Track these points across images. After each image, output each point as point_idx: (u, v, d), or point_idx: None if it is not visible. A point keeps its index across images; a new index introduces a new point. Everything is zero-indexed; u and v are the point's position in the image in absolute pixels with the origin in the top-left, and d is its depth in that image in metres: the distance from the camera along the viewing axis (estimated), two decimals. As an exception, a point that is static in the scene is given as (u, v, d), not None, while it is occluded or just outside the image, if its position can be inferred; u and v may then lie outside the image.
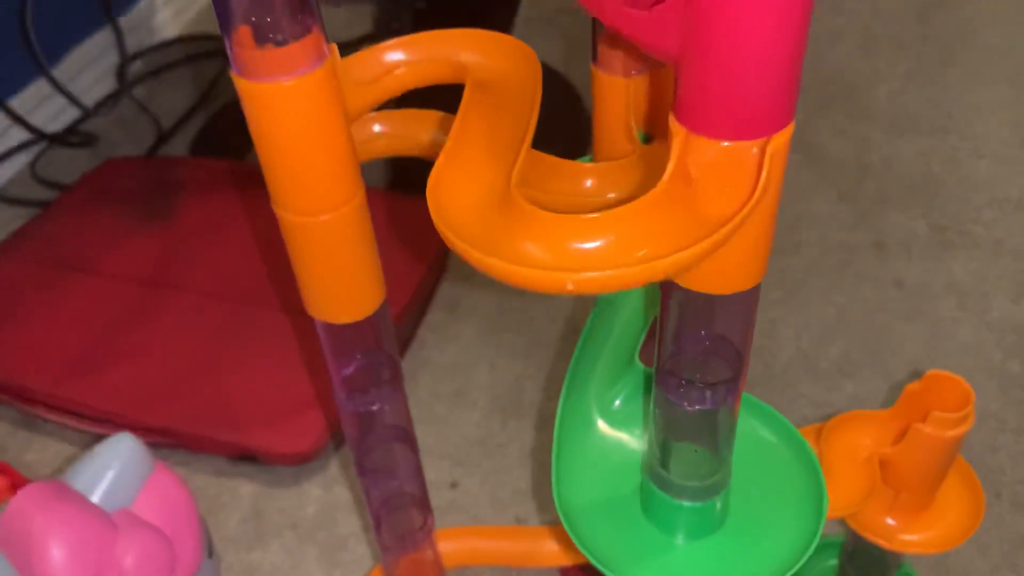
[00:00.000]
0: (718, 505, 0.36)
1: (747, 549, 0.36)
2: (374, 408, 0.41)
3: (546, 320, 0.80)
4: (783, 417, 0.40)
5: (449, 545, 0.55)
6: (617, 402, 0.40)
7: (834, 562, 0.60)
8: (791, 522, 0.37)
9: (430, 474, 0.69)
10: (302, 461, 0.69)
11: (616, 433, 0.40)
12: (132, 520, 0.49)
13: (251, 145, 0.34)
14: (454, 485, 0.69)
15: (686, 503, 0.36)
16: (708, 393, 0.32)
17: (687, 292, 0.29)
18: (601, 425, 0.40)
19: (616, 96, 0.37)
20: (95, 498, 0.49)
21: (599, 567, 0.36)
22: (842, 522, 0.65)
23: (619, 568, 0.36)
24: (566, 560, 0.55)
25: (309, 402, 0.70)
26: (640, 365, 0.41)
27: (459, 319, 0.81)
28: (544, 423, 0.72)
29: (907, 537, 0.48)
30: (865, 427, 0.47)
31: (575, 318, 0.80)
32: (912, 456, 0.45)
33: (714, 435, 0.34)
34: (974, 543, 0.62)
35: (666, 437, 0.35)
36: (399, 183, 0.92)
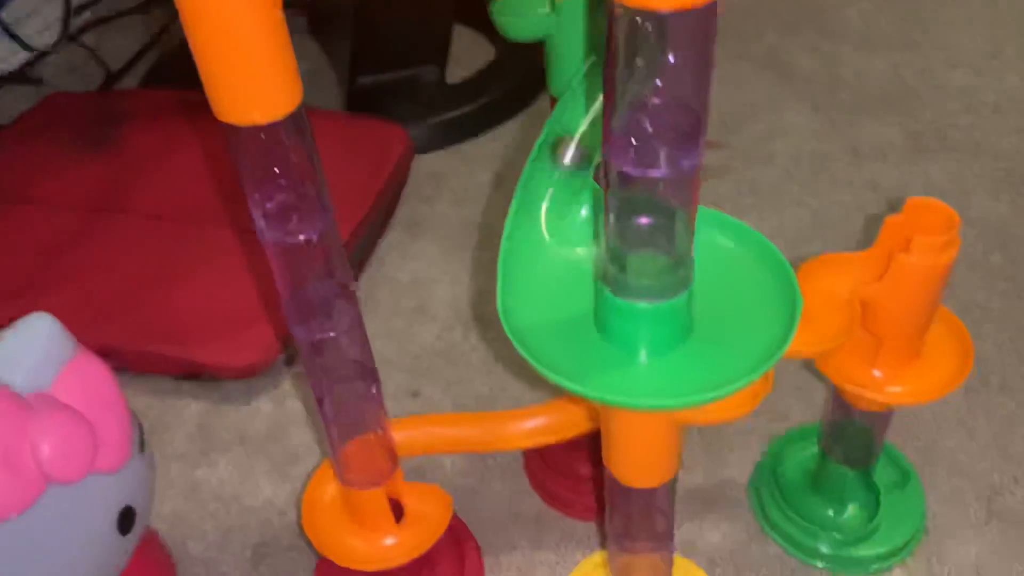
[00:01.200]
0: (680, 310, 0.33)
1: (713, 359, 0.33)
2: (301, 238, 0.37)
3: (510, 235, 0.77)
4: (749, 227, 0.36)
5: (403, 435, 0.51)
6: (571, 219, 0.37)
7: (814, 450, 0.57)
8: (761, 328, 0.34)
9: (390, 386, 0.66)
10: (251, 374, 0.64)
11: (570, 251, 0.36)
12: (49, 402, 0.45)
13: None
14: (415, 394, 0.65)
15: (644, 304, 0.32)
16: (664, 153, 0.28)
17: (632, 19, 0.26)
18: (553, 244, 0.36)
19: None
20: (8, 378, 0.45)
21: (558, 380, 0.32)
22: (825, 399, 0.62)
23: (581, 380, 0.32)
24: (528, 442, 0.51)
25: (258, 316, 0.66)
26: (593, 183, 0.37)
27: (420, 238, 0.78)
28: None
29: (894, 388, 0.45)
30: (843, 268, 0.44)
31: (541, 232, 0.77)
32: (896, 292, 0.42)
33: (670, 219, 0.30)
34: (963, 427, 0.59)
35: (620, 226, 0.31)
36: (355, 104, 0.88)
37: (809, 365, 0.64)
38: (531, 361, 0.33)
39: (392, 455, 0.48)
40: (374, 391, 0.44)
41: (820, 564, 0.53)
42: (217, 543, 0.57)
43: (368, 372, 0.44)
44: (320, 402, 0.44)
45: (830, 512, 0.53)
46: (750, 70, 0.91)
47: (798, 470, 0.56)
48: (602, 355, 0.34)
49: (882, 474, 0.54)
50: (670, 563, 0.46)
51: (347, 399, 0.44)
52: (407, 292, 0.73)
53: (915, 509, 0.53)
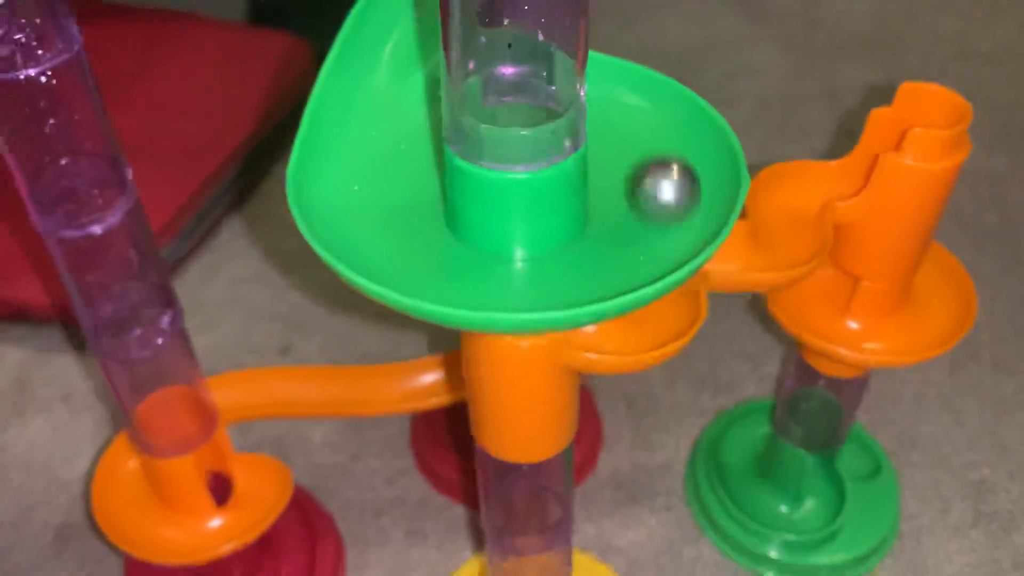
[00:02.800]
0: (566, 183, 0.21)
1: (617, 263, 0.22)
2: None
3: (424, 172, 0.65)
4: (674, 81, 0.25)
5: (230, 392, 0.39)
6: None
7: (766, 430, 0.46)
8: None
9: (255, 340, 0.54)
10: (71, 319, 0.52)
11: (416, 113, 0.25)
12: None
13: None
14: (285, 351, 0.53)
15: (515, 173, 0.21)
16: None
17: None
18: (391, 95, 0.25)
19: None
20: None
21: (377, 290, 0.21)
22: (783, 361, 0.51)
23: (419, 291, 0.21)
24: (398, 406, 0.40)
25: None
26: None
27: (317, 171, 0.66)
28: (410, 282, 0.57)
29: (872, 345, 0.34)
30: (813, 177, 0.33)
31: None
32: (880, 210, 0.31)
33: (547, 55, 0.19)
34: (949, 410, 0.48)
35: (478, 56, 0.20)
36: (259, 17, 0.77)
37: (763, 327, 0.53)
38: (328, 259, 0.22)
39: (206, 414, 0.36)
40: (169, 323, 0.33)
41: (768, 574, 0.42)
42: (12, 523, 0.45)
43: (163, 296, 0.32)
44: (97, 338, 0.32)
45: (783, 508, 0.43)
46: (716, 5, 0.80)
47: (745, 455, 0.45)
48: (455, 259, 0.23)
49: (848, 463, 0.44)
50: (568, 564, 0.35)
51: (134, 334, 0.32)
52: (292, 231, 0.60)
53: (887, 508, 0.43)
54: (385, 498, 0.46)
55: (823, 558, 0.41)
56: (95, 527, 0.44)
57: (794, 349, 0.38)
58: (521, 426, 0.27)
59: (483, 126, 0.21)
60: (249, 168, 0.63)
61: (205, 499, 0.37)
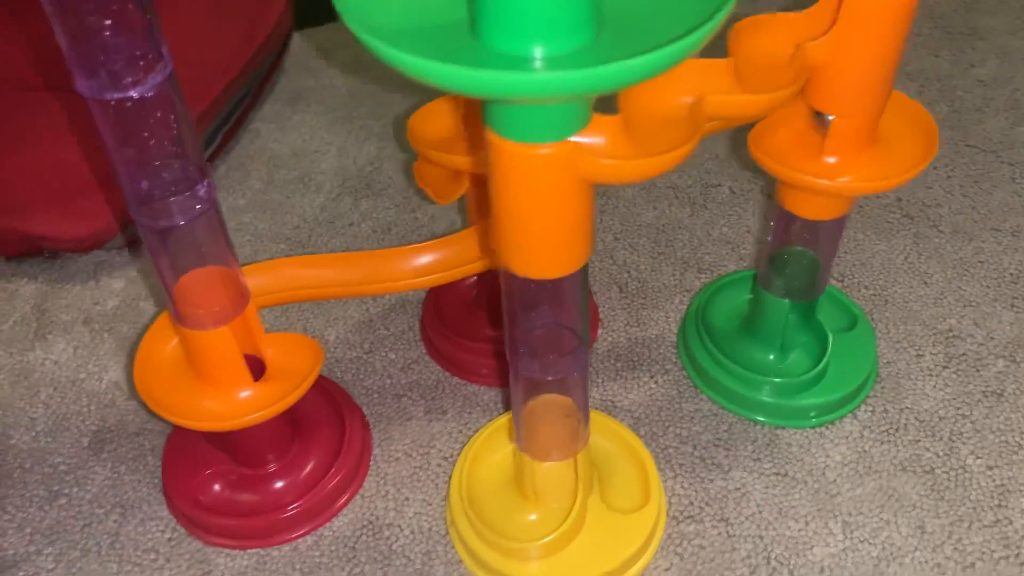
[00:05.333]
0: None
1: (628, 52, 0.25)
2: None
3: (408, 103, 0.68)
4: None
5: (261, 277, 0.42)
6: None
7: (747, 296, 0.49)
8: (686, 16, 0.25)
9: (263, 257, 0.56)
10: (96, 246, 0.55)
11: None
12: None
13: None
14: (292, 265, 0.56)
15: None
16: None
17: None
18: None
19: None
20: None
21: (428, 73, 0.24)
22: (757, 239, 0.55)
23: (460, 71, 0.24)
24: (413, 282, 0.43)
25: (104, 179, 0.56)
26: None
27: (302, 110, 0.68)
28: (405, 200, 0.60)
29: (847, 178, 0.37)
30: (783, 27, 0.36)
31: (441, 100, 0.68)
32: (847, 46, 0.34)
33: None
34: (915, 273, 0.52)
35: None
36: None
37: (737, 216, 0.57)
38: (387, 55, 0.24)
39: (239, 289, 0.39)
40: (205, 192, 0.35)
41: (761, 417, 0.45)
42: (48, 431, 0.47)
43: (198, 167, 0.35)
44: (139, 207, 0.35)
45: (770, 357, 0.46)
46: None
47: (731, 318, 0.49)
48: (483, 53, 0.26)
49: (827, 319, 0.47)
50: (584, 407, 0.38)
51: (172, 213, 0.35)
52: (286, 164, 0.63)
53: (866, 353, 0.47)
54: (402, 383, 0.48)
55: (811, 399, 0.45)
56: (136, 429, 0.47)
57: (774, 201, 0.42)
58: (541, 239, 0.30)
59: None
60: (231, 109, 0.65)
61: (242, 369, 0.39)
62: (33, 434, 0.47)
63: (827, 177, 0.37)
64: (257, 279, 0.42)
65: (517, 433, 0.39)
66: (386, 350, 0.50)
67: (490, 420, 0.45)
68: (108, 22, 0.30)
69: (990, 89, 0.65)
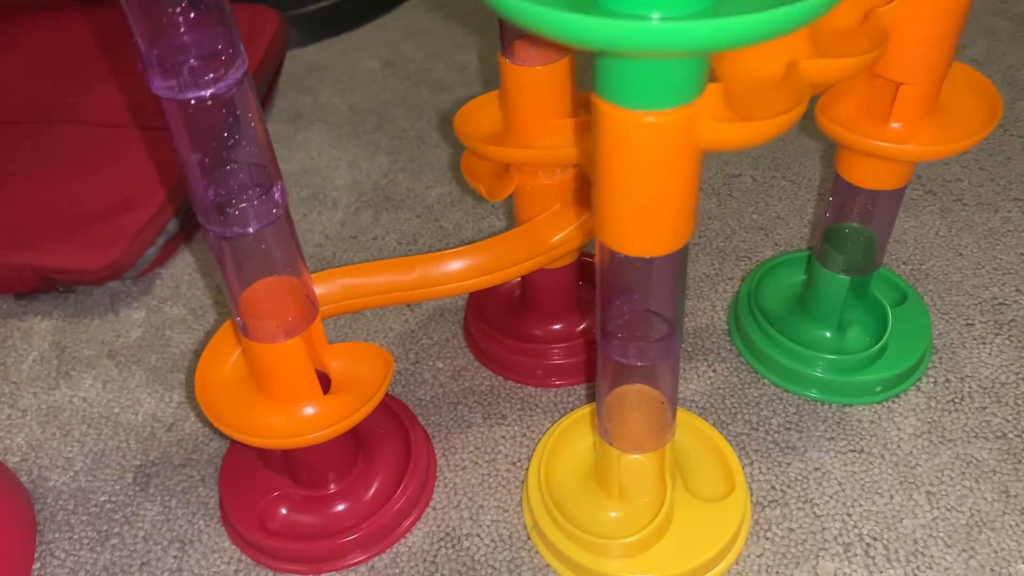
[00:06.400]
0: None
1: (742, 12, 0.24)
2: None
3: (413, 116, 0.67)
4: None
5: (320, 287, 0.40)
6: None
7: (797, 277, 0.49)
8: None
9: (289, 277, 0.54)
10: (113, 276, 0.52)
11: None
12: None
13: None
14: (321, 282, 0.54)
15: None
16: None
17: None
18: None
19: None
20: None
21: (553, 23, 0.23)
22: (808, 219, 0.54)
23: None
24: (463, 285, 0.41)
25: (116, 208, 0.54)
26: None
27: (304, 128, 0.67)
28: (427, 210, 0.58)
29: (913, 144, 0.37)
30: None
31: (446, 111, 0.67)
32: (914, 12, 0.34)
33: None
34: (949, 246, 0.53)
35: None
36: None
37: (767, 201, 0.56)
38: (518, 8, 0.24)
39: (310, 299, 0.37)
40: (280, 195, 0.34)
41: (825, 395, 0.45)
42: (87, 470, 0.45)
43: (272, 170, 0.34)
44: (211, 214, 0.33)
45: (827, 335, 0.46)
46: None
47: (782, 299, 0.48)
48: (606, 12, 0.25)
49: (878, 295, 0.47)
50: (673, 400, 0.37)
51: (247, 218, 0.33)
52: (297, 182, 0.62)
53: (922, 325, 0.47)
54: (455, 391, 0.47)
55: (876, 374, 0.44)
56: (182, 460, 0.45)
57: (835, 180, 0.42)
58: (652, 214, 0.30)
59: None
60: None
61: (313, 383, 0.38)
62: (72, 474, 0.45)
63: (894, 141, 0.37)
64: (317, 289, 0.40)
65: (600, 425, 0.38)
66: (432, 359, 0.49)
67: (553, 422, 0.44)
68: (191, 15, 0.28)
69: (984, 68, 0.66)
